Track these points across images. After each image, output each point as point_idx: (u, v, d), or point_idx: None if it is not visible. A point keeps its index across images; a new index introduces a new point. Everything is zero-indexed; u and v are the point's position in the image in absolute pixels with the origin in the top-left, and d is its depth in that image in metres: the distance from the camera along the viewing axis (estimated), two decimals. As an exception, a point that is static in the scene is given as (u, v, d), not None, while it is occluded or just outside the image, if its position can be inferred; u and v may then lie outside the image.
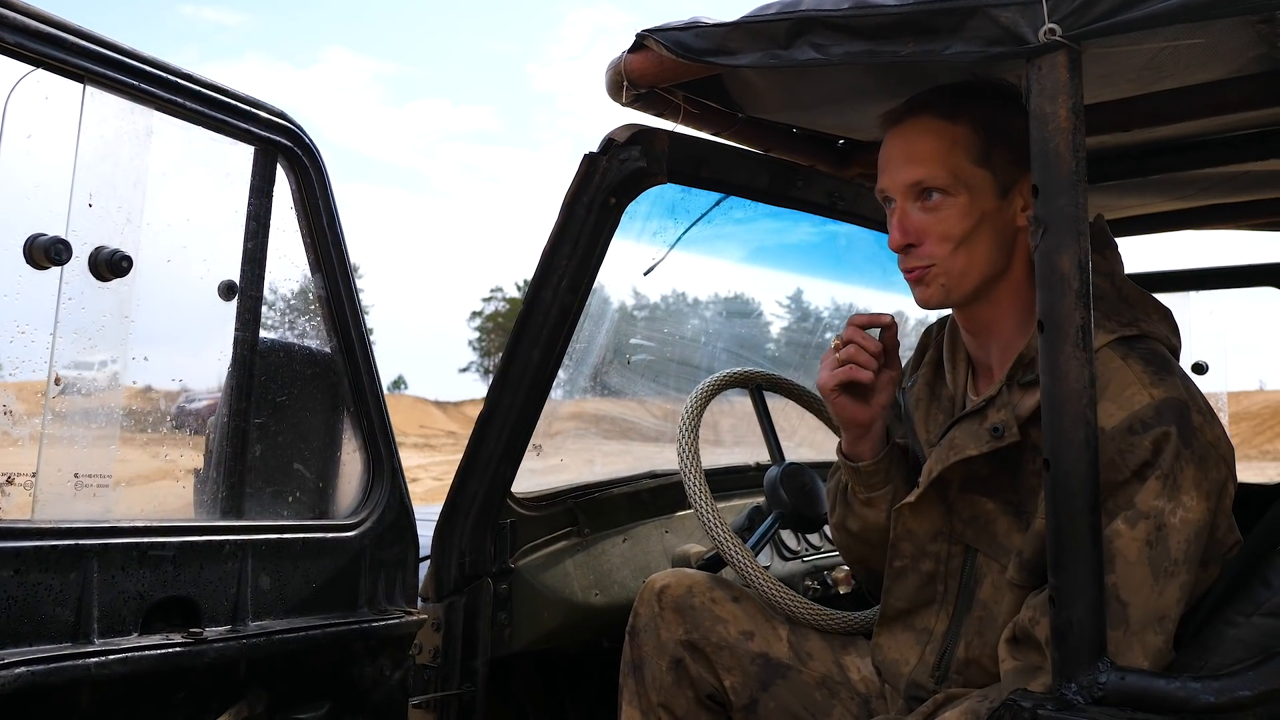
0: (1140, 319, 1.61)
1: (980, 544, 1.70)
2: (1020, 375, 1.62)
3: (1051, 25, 1.30)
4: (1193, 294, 3.06)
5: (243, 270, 1.72)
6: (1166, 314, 1.67)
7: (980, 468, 1.66)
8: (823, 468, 2.66)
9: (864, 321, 1.80)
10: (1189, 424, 1.48)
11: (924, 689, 1.77)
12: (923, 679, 1.77)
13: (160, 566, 1.58)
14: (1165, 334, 1.63)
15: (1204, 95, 1.85)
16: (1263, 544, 1.47)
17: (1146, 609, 1.44)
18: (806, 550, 2.80)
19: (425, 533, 2.08)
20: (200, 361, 1.74)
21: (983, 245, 1.65)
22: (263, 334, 1.75)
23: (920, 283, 1.69)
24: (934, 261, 1.66)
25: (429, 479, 19.64)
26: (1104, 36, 1.30)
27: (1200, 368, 2.78)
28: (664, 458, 2.77)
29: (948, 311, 1.86)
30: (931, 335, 1.93)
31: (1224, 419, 4.06)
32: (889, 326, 1.79)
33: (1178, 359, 1.63)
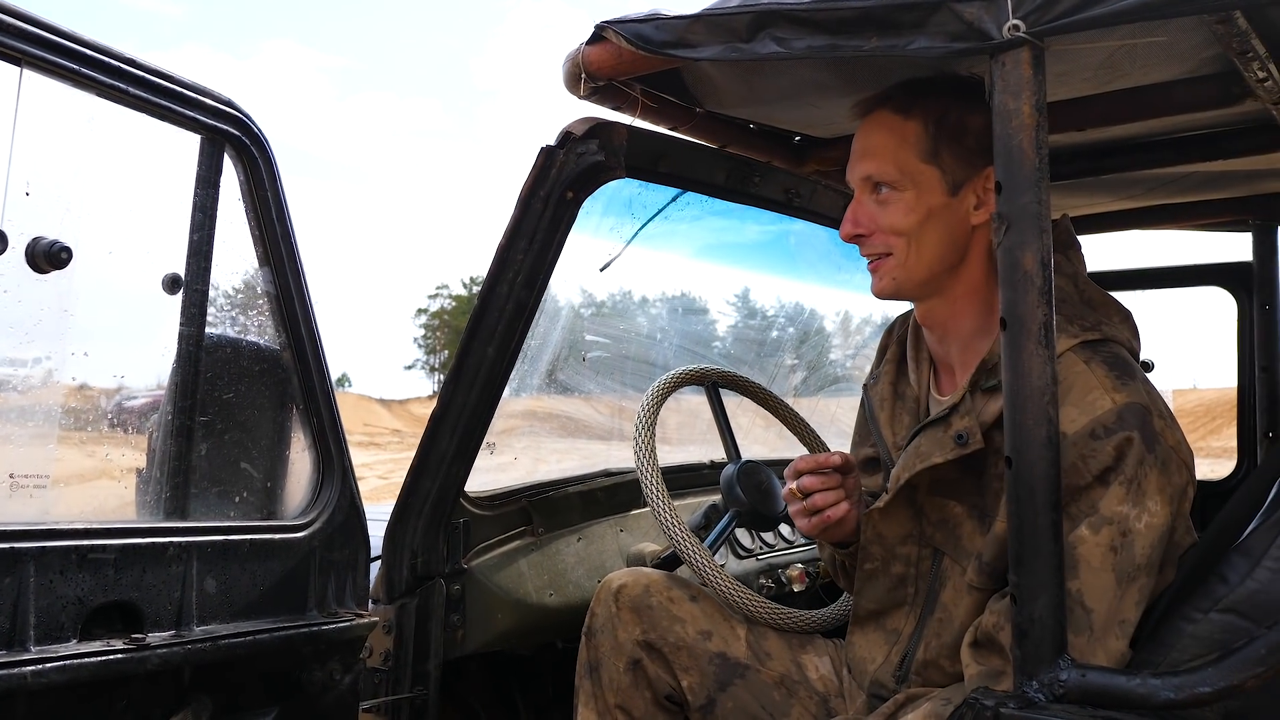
0: (1103, 322, 1.62)
1: (947, 547, 1.70)
2: (984, 380, 1.62)
3: (1015, 21, 1.30)
4: (1139, 293, 3.10)
5: (188, 263, 1.66)
6: (1127, 316, 1.68)
7: (948, 471, 1.66)
8: (779, 465, 2.65)
9: (811, 465, 1.80)
10: (1151, 429, 1.49)
11: (885, 688, 1.77)
12: (885, 678, 1.77)
13: (100, 570, 1.52)
14: (1127, 337, 1.64)
15: (1157, 95, 1.88)
16: (1219, 541, 1.48)
17: (1109, 614, 1.44)
18: (761, 549, 2.79)
19: (374, 533, 2.04)
20: (143, 357, 1.68)
21: (931, 240, 1.67)
22: (209, 329, 1.69)
23: (874, 273, 1.73)
24: (888, 251, 1.69)
25: (374, 477, 19.44)
26: (1068, 33, 1.30)
27: (1147, 366, 2.82)
28: (618, 456, 2.75)
29: (908, 307, 1.86)
30: (893, 333, 1.93)
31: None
32: (841, 465, 1.81)
33: (1138, 362, 1.64)
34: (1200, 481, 3.05)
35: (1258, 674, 1.22)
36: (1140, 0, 1.25)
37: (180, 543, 1.63)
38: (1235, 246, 2.96)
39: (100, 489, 1.65)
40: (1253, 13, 1.45)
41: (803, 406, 3.05)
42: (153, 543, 1.60)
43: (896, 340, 1.90)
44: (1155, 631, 1.48)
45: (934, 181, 1.66)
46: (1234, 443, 3.01)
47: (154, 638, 1.57)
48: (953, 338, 1.73)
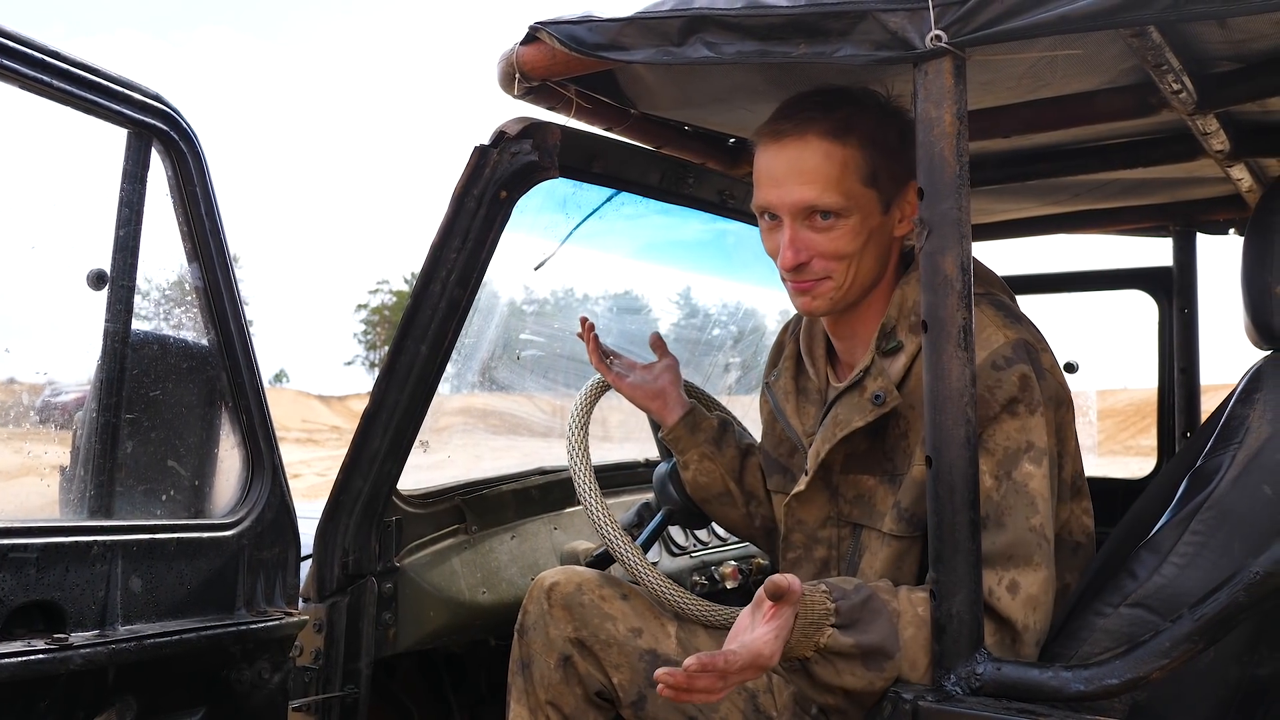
0: (989, 287, 1.74)
1: (865, 520, 1.74)
2: (884, 344, 1.68)
3: (938, 31, 1.33)
4: (1067, 296, 3.18)
5: (114, 259, 1.64)
6: (1004, 286, 1.79)
7: (859, 443, 1.71)
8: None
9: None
10: (1041, 364, 1.60)
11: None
12: None
13: (22, 569, 1.50)
14: (1006, 300, 1.74)
15: (1078, 105, 1.93)
16: (1130, 536, 1.54)
17: (1054, 542, 1.55)
18: (694, 546, 2.82)
19: (308, 531, 2.03)
20: (67, 354, 1.66)
21: (869, 259, 1.70)
22: (135, 325, 1.67)
23: (808, 294, 1.71)
24: (828, 275, 1.69)
25: (312, 475, 19.18)
26: (988, 44, 1.33)
27: (1071, 367, 2.89)
28: (553, 454, 2.75)
29: None
30: (788, 329, 1.98)
31: (1092, 415, 4.24)
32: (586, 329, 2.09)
33: None
34: (1123, 480, 3.15)
35: (1162, 666, 1.28)
36: (1058, 14, 1.29)
37: (105, 541, 1.61)
38: (1156, 252, 3.04)
39: (22, 486, 1.62)
40: (1166, 28, 1.50)
41: (738, 404, 3.08)
42: (76, 541, 1.58)
43: (792, 336, 1.95)
44: (1067, 625, 1.53)
45: (873, 203, 1.67)
46: (1158, 441, 3.09)
47: (77, 637, 1.55)
48: (859, 339, 1.78)
